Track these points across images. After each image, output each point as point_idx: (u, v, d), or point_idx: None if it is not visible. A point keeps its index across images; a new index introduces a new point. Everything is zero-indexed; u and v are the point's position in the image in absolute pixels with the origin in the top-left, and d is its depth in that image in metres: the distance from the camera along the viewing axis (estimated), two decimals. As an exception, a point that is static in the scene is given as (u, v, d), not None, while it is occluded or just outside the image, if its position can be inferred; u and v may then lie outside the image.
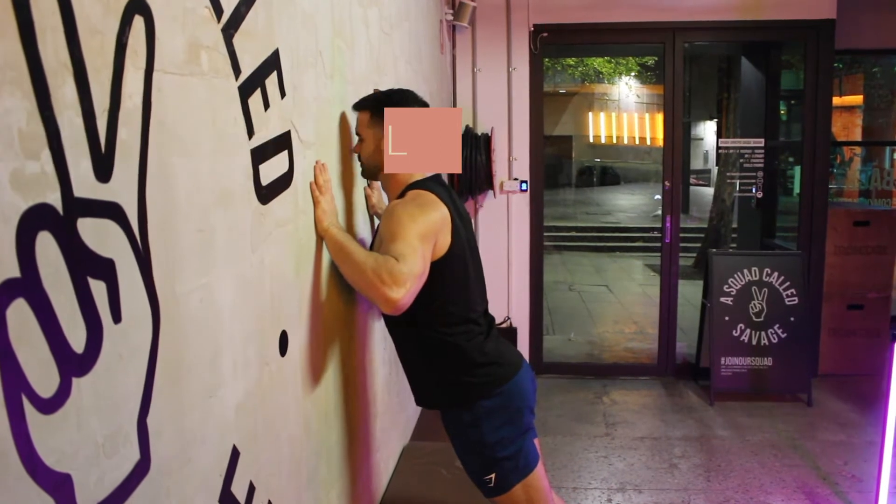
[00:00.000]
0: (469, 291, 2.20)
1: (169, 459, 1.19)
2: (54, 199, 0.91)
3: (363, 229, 2.50)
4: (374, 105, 2.20)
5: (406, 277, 1.83)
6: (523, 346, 5.52)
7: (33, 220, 0.87)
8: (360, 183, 2.45)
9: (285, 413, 1.75)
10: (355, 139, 2.28)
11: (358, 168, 2.43)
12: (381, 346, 2.76)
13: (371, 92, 2.58)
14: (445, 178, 4.71)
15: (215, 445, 1.37)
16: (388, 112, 2.09)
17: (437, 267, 2.06)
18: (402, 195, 2.15)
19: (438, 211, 2.07)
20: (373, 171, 2.26)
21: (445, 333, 2.13)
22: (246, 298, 1.51)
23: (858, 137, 12.24)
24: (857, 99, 12.33)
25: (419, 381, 2.27)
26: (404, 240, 1.91)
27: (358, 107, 2.24)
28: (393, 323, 2.25)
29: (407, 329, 2.19)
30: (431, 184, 2.18)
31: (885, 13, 5.62)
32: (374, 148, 2.20)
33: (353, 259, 1.95)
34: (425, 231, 1.98)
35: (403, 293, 1.82)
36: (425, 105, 2.26)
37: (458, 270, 2.15)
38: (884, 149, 10.93)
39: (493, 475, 2.16)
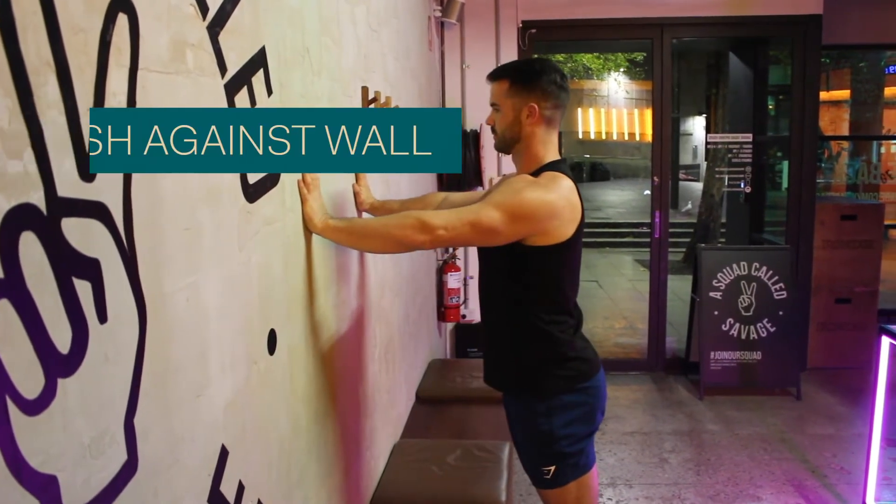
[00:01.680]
0: (574, 282, 2.23)
1: (156, 460, 1.18)
2: (38, 198, 0.90)
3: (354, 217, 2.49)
4: (515, 73, 2.18)
5: (443, 223, 1.90)
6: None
7: (16, 220, 0.86)
8: (348, 180, 2.44)
9: (274, 412, 1.75)
10: (484, 106, 2.26)
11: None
12: (371, 344, 2.76)
13: (359, 89, 2.58)
14: (435, 175, 4.71)
15: (203, 445, 1.37)
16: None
17: (555, 253, 2.08)
18: (535, 173, 2.13)
19: (565, 198, 2.07)
20: (508, 144, 2.22)
21: (545, 322, 2.13)
22: (233, 297, 1.50)
23: (846, 132, 12.30)
24: (845, 94, 12.39)
25: (503, 363, 2.26)
26: (489, 205, 1.96)
27: (495, 76, 2.20)
28: (493, 301, 2.25)
29: (507, 310, 2.19)
30: (566, 168, 2.17)
31: (871, 9, 5.65)
32: (513, 118, 2.15)
33: (370, 229, 1.99)
34: (525, 211, 1.99)
35: (442, 233, 1.91)
36: (564, 75, 2.21)
37: (572, 260, 2.18)
38: (871, 143, 10.99)
39: (552, 468, 2.16)
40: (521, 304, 2.14)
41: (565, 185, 2.09)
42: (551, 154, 2.19)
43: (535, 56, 2.34)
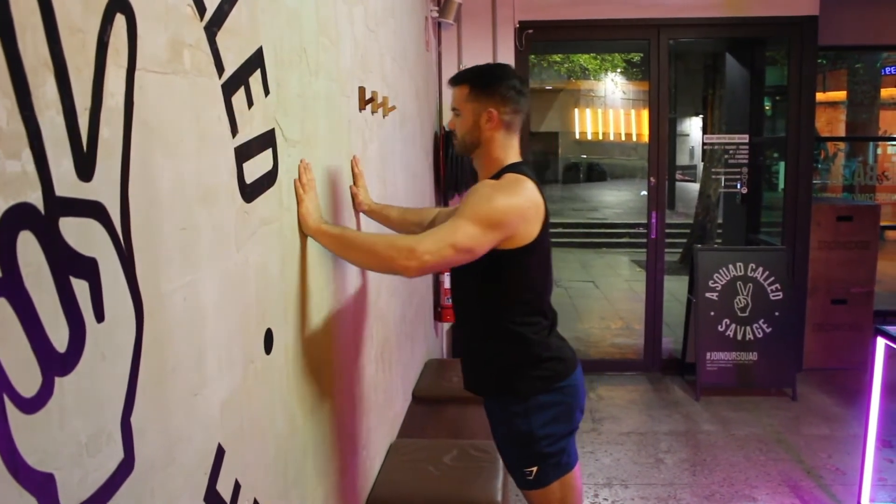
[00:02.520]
0: (545, 283, 2.22)
1: (153, 458, 1.19)
2: (35, 198, 0.91)
3: (349, 227, 2.50)
4: (474, 78, 2.19)
5: (427, 248, 1.87)
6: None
7: (14, 220, 0.87)
8: (346, 181, 2.45)
9: (271, 411, 1.75)
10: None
11: (345, 166, 2.43)
12: (368, 344, 2.76)
13: (356, 89, 2.58)
14: (432, 176, 4.71)
15: (200, 444, 1.37)
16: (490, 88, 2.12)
17: (521, 255, 2.07)
18: (496, 176, 2.14)
19: (531, 200, 2.07)
20: (468, 148, 2.23)
21: (517, 324, 2.14)
22: (230, 297, 1.51)
23: (842, 133, 12.33)
24: (841, 95, 12.42)
25: (478, 367, 2.27)
26: (463, 219, 1.95)
27: (456, 80, 2.22)
28: (465, 306, 2.26)
29: (479, 314, 2.20)
30: (527, 169, 2.18)
31: (868, 9, 5.66)
32: (472, 123, 2.17)
33: (358, 244, 1.96)
34: (498, 218, 1.99)
35: (428, 259, 1.87)
36: (523, 80, 2.24)
37: (541, 260, 2.17)
38: (867, 144, 11.02)
39: (534, 469, 2.16)
40: (492, 307, 2.15)
41: (528, 185, 2.10)
42: (512, 157, 2.20)
43: (497, 63, 2.35)
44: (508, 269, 2.07)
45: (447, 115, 5.20)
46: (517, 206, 2.04)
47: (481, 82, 2.18)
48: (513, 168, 2.16)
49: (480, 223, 1.95)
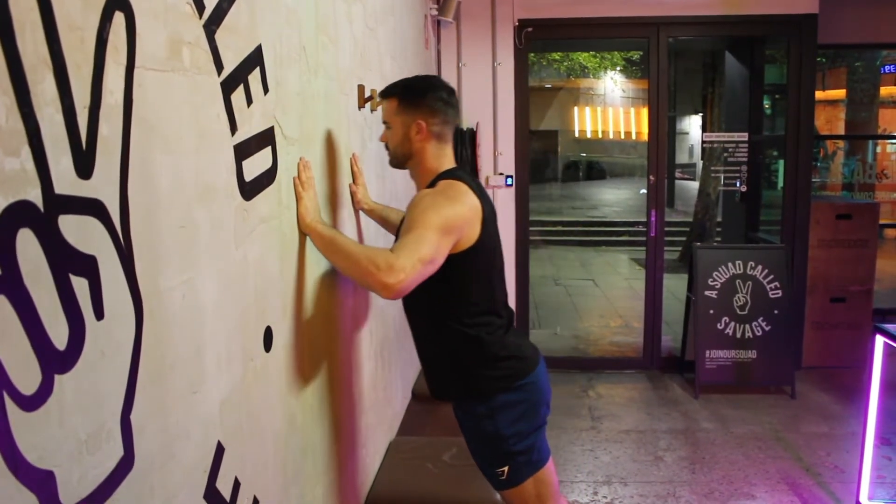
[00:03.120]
0: (493, 283, 2.21)
1: (153, 456, 1.19)
2: (35, 195, 0.91)
3: (348, 226, 2.50)
4: (402, 91, 2.20)
5: (403, 265, 1.82)
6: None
7: (13, 217, 0.87)
8: (345, 179, 2.45)
9: (270, 409, 1.75)
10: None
11: (344, 164, 2.43)
12: (367, 342, 2.77)
13: (356, 87, 2.58)
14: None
15: (200, 441, 1.37)
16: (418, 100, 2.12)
17: (464, 257, 2.06)
18: (432, 184, 2.14)
19: (469, 202, 2.07)
20: (401, 160, 2.24)
21: (468, 325, 2.13)
22: (229, 294, 1.51)
23: (841, 131, 12.33)
24: (840, 93, 12.43)
25: (438, 373, 2.27)
26: (419, 229, 1.92)
27: (385, 94, 2.22)
28: (415, 315, 2.25)
29: (430, 322, 2.19)
30: (462, 174, 2.18)
31: (867, 8, 5.66)
32: (402, 135, 2.18)
33: (344, 250, 1.95)
34: (448, 223, 1.98)
35: (402, 278, 1.81)
36: (452, 90, 2.25)
37: (484, 261, 2.16)
38: (866, 142, 11.03)
39: (505, 468, 2.17)
40: (443, 312, 2.14)
41: (463, 189, 2.10)
42: (445, 165, 2.20)
43: (424, 74, 2.35)
44: (455, 273, 2.05)
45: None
46: (460, 210, 2.04)
47: (409, 95, 2.18)
48: (447, 174, 2.16)
49: (436, 231, 1.93)
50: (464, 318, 2.13)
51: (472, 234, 2.08)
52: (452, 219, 2.00)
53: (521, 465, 2.17)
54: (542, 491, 2.21)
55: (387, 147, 2.27)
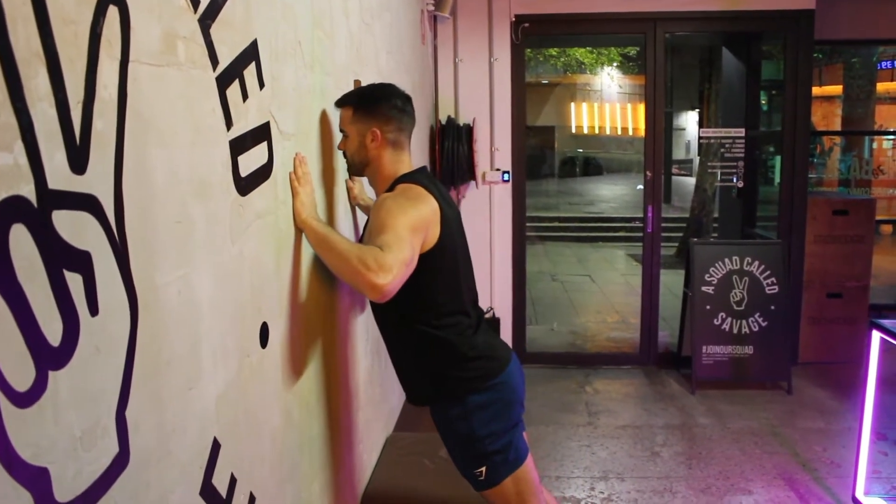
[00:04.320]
0: (459, 283, 2.20)
1: (148, 452, 1.19)
2: (28, 191, 0.90)
3: (345, 221, 2.49)
4: (357, 100, 2.20)
5: (391, 264, 1.81)
6: (506, 336, 5.54)
7: (7, 213, 0.86)
8: (341, 174, 2.44)
9: (267, 405, 1.75)
10: (339, 136, 2.27)
11: (340, 160, 2.42)
12: (363, 338, 2.76)
13: (352, 83, 2.57)
14: (428, 168, 4.71)
15: (195, 438, 1.37)
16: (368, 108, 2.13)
17: (427, 259, 2.06)
18: (390, 189, 2.14)
19: (428, 204, 2.07)
20: (359, 168, 2.25)
21: (435, 327, 2.13)
22: (225, 290, 1.51)
23: (838, 127, 12.35)
24: (837, 89, 12.44)
25: (410, 378, 2.27)
26: (393, 229, 1.90)
27: (340, 103, 2.23)
28: (383, 320, 2.25)
29: (397, 325, 2.19)
30: (419, 177, 2.18)
31: (864, 4, 5.66)
32: (358, 144, 2.19)
33: (336, 248, 1.94)
34: (415, 223, 1.98)
35: (390, 279, 1.80)
36: (407, 98, 2.26)
37: (447, 262, 2.15)
38: (863, 138, 11.04)
39: (483, 469, 2.16)
40: (409, 316, 2.14)
41: (420, 191, 2.10)
42: (402, 170, 2.21)
43: (379, 82, 2.35)
44: (419, 274, 2.03)
45: (444, 110, 5.21)
46: (422, 211, 2.04)
47: (363, 103, 2.19)
48: (404, 178, 2.17)
49: (408, 231, 1.93)
50: (431, 319, 2.13)
51: (433, 234, 2.08)
52: (417, 219, 2.00)
53: (499, 465, 2.17)
54: (522, 489, 2.21)
55: (344, 155, 2.28)
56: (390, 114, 2.18)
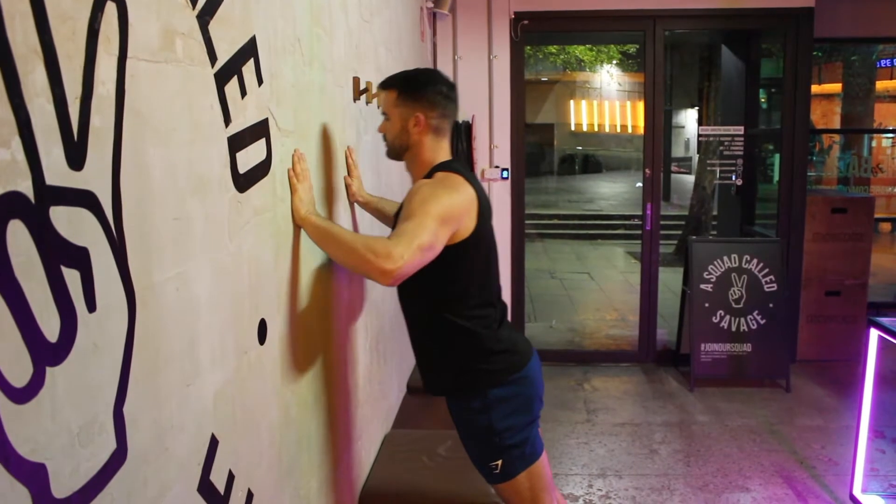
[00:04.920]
0: (489, 275, 2.22)
1: (146, 448, 1.19)
2: (25, 187, 0.90)
3: (343, 218, 2.49)
4: (402, 84, 2.20)
5: (402, 251, 1.82)
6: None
7: (4, 208, 0.86)
8: (340, 171, 2.44)
9: (265, 402, 1.75)
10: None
11: (339, 156, 2.42)
12: (362, 335, 2.76)
13: (351, 80, 2.57)
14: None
15: (193, 434, 1.37)
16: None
17: (462, 249, 2.07)
18: (428, 176, 2.14)
19: (466, 194, 2.07)
20: (398, 152, 2.24)
21: (464, 318, 2.13)
22: (223, 287, 1.50)
23: (837, 125, 12.35)
24: (836, 87, 12.44)
25: (432, 367, 2.27)
26: (419, 216, 1.92)
27: (385, 85, 2.22)
28: (410, 307, 2.25)
29: (425, 314, 2.19)
30: (458, 166, 2.18)
31: (863, 2, 5.66)
32: (400, 127, 2.18)
33: (340, 240, 1.95)
34: (446, 212, 1.98)
35: (401, 264, 1.81)
36: (452, 85, 2.25)
37: (481, 253, 2.16)
38: (862, 137, 11.04)
39: (499, 462, 2.17)
40: (439, 304, 2.14)
41: (460, 181, 2.10)
42: (441, 158, 2.21)
43: (425, 67, 2.35)
44: (451, 265, 2.06)
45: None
46: (458, 200, 2.05)
47: (409, 87, 2.19)
48: (443, 166, 2.17)
49: (434, 219, 1.93)
50: (460, 310, 2.13)
51: (468, 225, 2.08)
52: (450, 208, 2.00)
53: (515, 459, 2.17)
54: (536, 484, 2.21)
55: (384, 138, 2.27)
56: (435, 99, 2.17)
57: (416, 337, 2.29)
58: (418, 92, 2.17)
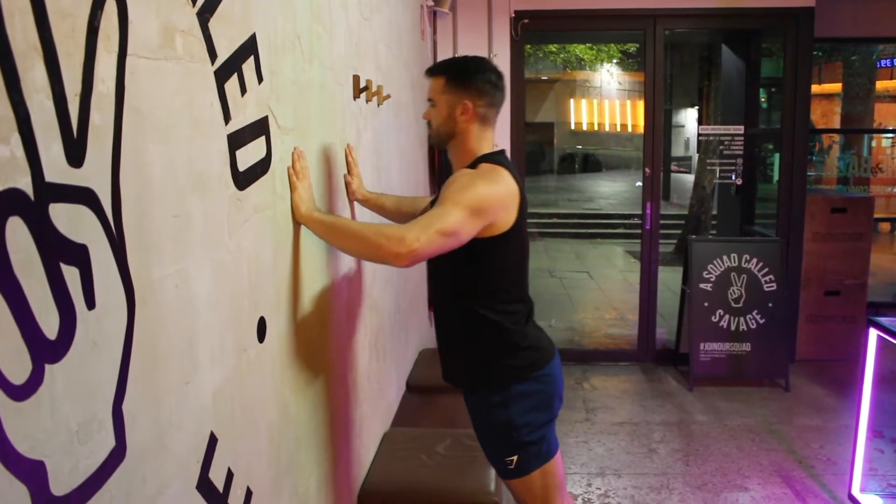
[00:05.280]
0: (523, 270, 2.23)
1: (145, 446, 1.18)
2: (25, 183, 0.90)
3: (343, 216, 2.49)
4: (451, 71, 2.19)
5: (417, 235, 1.84)
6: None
7: (3, 205, 0.86)
8: (339, 170, 2.44)
9: (264, 400, 1.75)
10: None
11: (339, 155, 2.42)
12: (362, 333, 2.76)
13: (350, 77, 2.57)
14: (426, 165, 4.70)
15: (192, 432, 1.37)
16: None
17: (500, 242, 2.08)
18: (471, 166, 2.14)
19: (507, 187, 2.08)
20: (443, 139, 2.23)
21: (494, 311, 2.13)
22: (223, 284, 1.50)
23: (837, 125, 12.35)
24: (836, 87, 12.43)
25: (455, 358, 2.27)
26: (448, 204, 1.94)
27: (432, 71, 2.22)
28: (442, 296, 2.26)
29: (456, 304, 2.20)
30: (502, 159, 2.18)
31: (863, 2, 5.66)
32: (447, 114, 2.17)
33: (348, 231, 1.95)
34: (480, 203, 1.98)
35: (416, 246, 1.83)
36: (500, 74, 2.24)
37: (518, 248, 2.17)
38: (862, 136, 11.03)
39: (514, 458, 2.17)
40: (470, 296, 2.15)
41: (504, 173, 2.10)
42: (486, 148, 2.20)
43: (474, 55, 2.35)
44: (487, 258, 2.08)
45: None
46: (497, 193, 2.04)
47: (458, 74, 2.18)
48: (488, 158, 2.16)
49: (465, 209, 1.95)
50: (492, 303, 2.14)
51: (507, 219, 2.08)
52: (486, 199, 2.00)
53: (531, 456, 2.18)
54: (549, 482, 2.22)
55: (429, 125, 2.26)
56: (484, 88, 2.16)
57: (443, 326, 2.29)
58: (468, 79, 2.16)
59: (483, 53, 5.29)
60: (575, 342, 6.31)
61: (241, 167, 1.59)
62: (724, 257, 5.17)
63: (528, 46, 6.36)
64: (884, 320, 3.25)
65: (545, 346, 2.24)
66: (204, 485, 1.41)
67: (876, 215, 5.84)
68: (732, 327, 5.13)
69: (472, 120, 2.16)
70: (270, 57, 1.75)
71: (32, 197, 0.91)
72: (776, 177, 5.87)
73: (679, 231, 11.36)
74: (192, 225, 1.35)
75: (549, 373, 2.21)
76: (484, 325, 2.15)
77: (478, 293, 2.14)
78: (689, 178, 15.44)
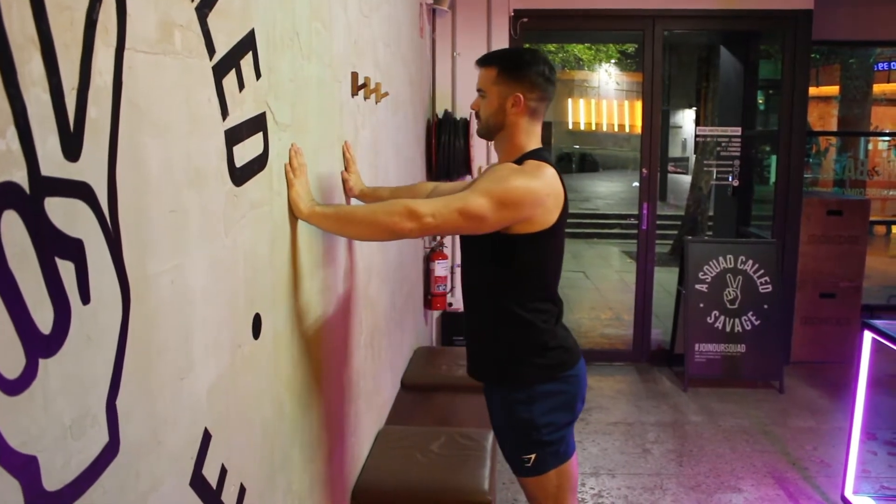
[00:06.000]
0: (558, 270, 2.25)
1: (139, 442, 1.18)
2: (20, 177, 0.89)
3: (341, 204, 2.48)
4: (503, 62, 2.17)
5: (432, 210, 1.88)
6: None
7: (-2, 199, 0.86)
8: (337, 166, 2.43)
9: (258, 396, 1.74)
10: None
11: (337, 152, 2.41)
12: (357, 330, 2.76)
13: (349, 74, 2.56)
14: (424, 163, 4.70)
15: (186, 428, 1.36)
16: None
17: (538, 240, 2.08)
18: (518, 161, 2.13)
19: (550, 186, 2.08)
20: (491, 131, 2.21)
21: (526, 309, 2.14)
22: (218, 280, 1.50)
23: (834, 127, 12.36)
24: (834, 89, 12.44)
25: (483, 353, 2.27)
26: (478, 191, 1.96)
27: (484, 61, 2.20)
28: (477, 289, 2.25)
29: (490, 298, 2.19)
30: (549, 156, 2.18)
31: (862, 5, 5.67)
32: (497, 106, 2.15)
33: (355, 216, 1.97)
34: (514, 197, 1.99)
35: (429, 221, 1.89)
36: (552, 67, 2.22)
37: (556, 248, 2.19)
38: (858, 139, 11.05)
39: (532, 456, 2.17)
40: (503, 292, 2.15)
41: (549, 173, 2.10)
42: (533, 143, 2.19)
43: (526, 46, 2.34)
44: (523, 254, 2.08)
45: (441, 104, 5.20)
46: (534, 190, 2.03)
47: (511, 66, 2.15)
48: (534, 154, 2.15)
49: (493, 198, 1.95)
50: (526, 301, 2.14)
51: (548, 218, 2.08)
52: (519, 194, 2.00)
53: (549, 456, 2.18)
54: (563, 483, 2.22)
55: (477, 116, 2.24)
56: (537, 81, 2.14)
57: (473, 318, 2.28)
58: (520, 71, 2.14)
59: (482, 51, 5.27)
60: (570, 342, 6.30)
61: (239, 163, 1.58)
62: (720, 258, 5.18)
63: (527, 45, 6.35)
64: (878, 323, 3.26)
65: (572, 348, 2.25)
66: (198, 481, 1.40)
67: (871, 218, 5.86)
68: (727, 328, 5.14)
69: (522, 113, 2.14)
70: (269, 53, 1.75)
71: (28, 190, 0.91)
72: (773, 178, 5.89)
73: (675, 232, 11.37)
74: (188, 220, 1.35)
75: (575, 374, 2.22)
76: (516, 322, 2.15)
77: (513, 290, 2.14)
78: (686, 179, 15.45)
